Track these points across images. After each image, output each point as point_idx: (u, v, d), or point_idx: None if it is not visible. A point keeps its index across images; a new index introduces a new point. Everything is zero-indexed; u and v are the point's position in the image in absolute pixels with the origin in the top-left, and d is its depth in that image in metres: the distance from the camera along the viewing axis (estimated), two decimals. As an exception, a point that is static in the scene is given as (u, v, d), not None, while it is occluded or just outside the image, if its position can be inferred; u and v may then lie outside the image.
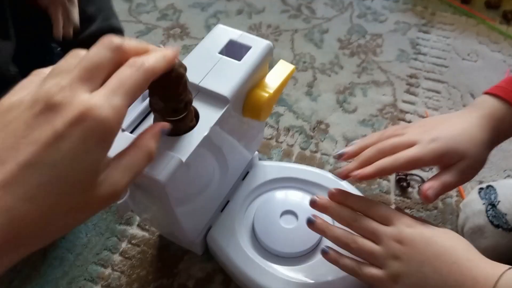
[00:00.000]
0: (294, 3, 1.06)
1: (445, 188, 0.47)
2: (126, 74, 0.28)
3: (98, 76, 0.27)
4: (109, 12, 0.81)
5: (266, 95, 0.50)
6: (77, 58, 0.28)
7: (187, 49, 0.96)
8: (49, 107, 0.24)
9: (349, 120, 0.81)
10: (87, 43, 0.68)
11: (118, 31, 0.81)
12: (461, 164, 0.47)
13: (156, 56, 0.30)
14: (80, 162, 0.25)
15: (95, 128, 0.25)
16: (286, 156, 0.76)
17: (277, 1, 1.07)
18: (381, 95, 0.86)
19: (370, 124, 0.80)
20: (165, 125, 0.34)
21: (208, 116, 0.45)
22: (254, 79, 0.50)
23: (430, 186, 0.47)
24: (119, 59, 0.28)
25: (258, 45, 0.51)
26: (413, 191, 0.70)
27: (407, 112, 0.82)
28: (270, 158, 0.76)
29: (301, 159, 0.75)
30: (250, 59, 0.50)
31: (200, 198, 0.54)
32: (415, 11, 1.04)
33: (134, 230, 0.66)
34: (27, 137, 0.24)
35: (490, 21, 1.00)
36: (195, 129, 0.43)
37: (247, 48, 0.51)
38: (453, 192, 0.70)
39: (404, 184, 0.70)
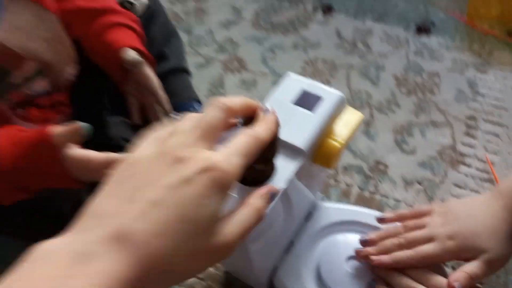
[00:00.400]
0: (349, 38, 1.08)
1: (472, 280, 0.48)
2: (242, 141, 0.31)
3: (214, 135, 0.30)
4: (181, 54, 0.87)
5: (339, 146, 0.52)
6: (192, 120, 0.30)
7: (244, 83, 0.99)
8: (177, 160, 0.27)
9: (408, 162, 0.82)
10: (161, 79, 0.72)
11: (186, 72, 0.86)
12: (485, 257, 0.48)
13: (265, 128, 0.33)
14: (203, 206, 0.27)
15: (218, 178, 0.27)
16: (345, 196, 0.77)
17: (333, 36, 1.09)
18: (440, 136, 0.86)
19: (430, 167, 0.80)
20: (274, 188, 0.36)
21: (284, 167, 0.47)
22: (326, 129, 0.52)
23: (456, 279, 0.47)
24: (229, 117, 0.32)
25: (330, 96, 0.52)
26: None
27: (466, 156, 0.82)
28: (328, 197, 0.77)
29: (360, 200, 0.76)
30: (323, 110, 0.51)
31: (269, 237, 0.56)
32: (472, 50, 1.03)
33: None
34: (156, 181, 0.27)
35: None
36: (273, 180, 0.45)
37: (318, 98, 0.53)
38: None
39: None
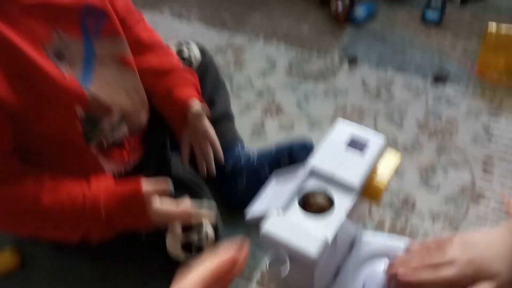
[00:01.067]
0: (373, 86, 1.21)
1: None
2: None
3: None
4: (227, 101, 0.99)
5: (385, 182, 0.63)
6: None
7: (282, 126, 1.11)
8: None
9: (433, 198, 0.92)
10: (212, 123, 0.84)
11: (231, 116, 0.98)
12: (497, 279, 0.55)
13: None
14: None
15: None
16: (379, 227, 0.87)
17: (359, 84, 1.22)
18: (460, 174, 0.97)
19: (453, 202, 0.91)
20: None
21: (340, 202, 0.58)
22: (373, 167, 0.63)
23: None
24: None
25: (375, 139, 0.63)
26: None
27: (485, 192, 0.93)
28: (364, 227, 0.87)
29: (393, 231, 0.86)
30: (371, 152, 0.62)
31: (324, 264, 0.66)
32: (485, 97, 1.16)
33: (253, 286, 0.78)
34: None
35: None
36: (333, 212, 0.55)
37: (366, 141, 0.64)
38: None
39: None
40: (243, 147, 0.98)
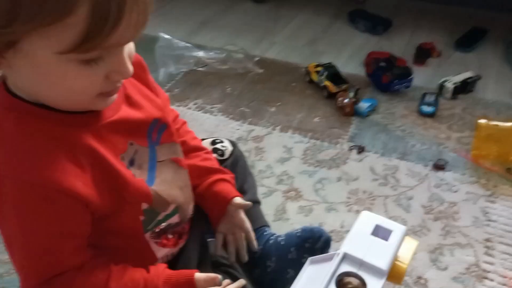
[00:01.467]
0: (381, 173, 1.36)
1: None
2: None
3: None
4: (254, 188, 1.13)
5: (405, 266, 0.74)
6: None
7: (302, 210, 1.24)
8: None
9: (442, 277, 1.03)
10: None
11: (258, 203, 1.11)
12: None
13: None
14: None
15: None
16: (397, 304, 0.97)
17: (368, 171, 1.37)
18: (465, 255, 1.08)
19: (461, 281, 1.02)
20: None
21: (372, 284, 0.69)
22: (396, 253, 0.75)
23: None
24: None
25: (398, 228, 0.76)
26: None
27: (489, 272, 1.04)
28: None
29: (410, 308, 0.96)
30: (394, 240, 0.74)
31: None
32: (480, 183, 1.30)
33: None
34: None
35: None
36: None
37: (390, 231, 0.76)
38: None
39: None
40: (269, 229, 1.09)
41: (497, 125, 1.36)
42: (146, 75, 0.83)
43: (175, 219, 0.84)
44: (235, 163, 1.10)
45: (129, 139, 0.75)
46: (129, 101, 0.76)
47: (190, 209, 0.90)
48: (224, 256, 0.97)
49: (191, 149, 0.96)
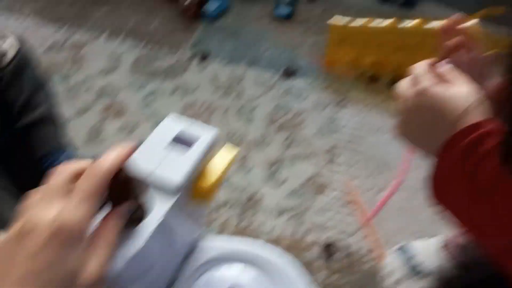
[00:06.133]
0: (224, 83, 1.16)
1: None
2: (85, 184, 0.33)
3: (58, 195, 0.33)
4: (48, 104, 0.86)
5: (214, 179, 0.56)
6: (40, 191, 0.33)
7: (125, 128, 1.00)
8: (24, 235, 0.30)
9: (279, 192, 0.89)
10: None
11: (54, 120, 0.85)
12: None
13: (105, 160, 0.36)
14: (59, 269, 0.30)
15: (67, 238, 0.30)
16: (224, 228, 0.81)
17: (209, 81, 1.16)
18: (307, 166, 0.95)
19: (299, 195, 0.89)
20: (121, 213, 0.38)
21: (160, 205, 0.50)
22: (203, 164, 0.56)
23: None
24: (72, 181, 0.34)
25: (206, 132, 0.57)
26: (340, 256, 0.78)
27: (330, 182, 0.92)
28: (206, 230, 0.80)
29: (238, 233, 0.81)
30: (199, 147, 0.55)
31: (150, 278, 0.57)
32: (332, 89, 1.17)
33: None
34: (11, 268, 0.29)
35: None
36: (147, 219, 0.47)
37: (196, 136, 0.57)
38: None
39: (331, 250, 0.78)
40: (71, 153, 0.85)
41: (348, 26, 1.22)
42: None
43: None
44: (18, 72, 0.81)
45: None
46: None
47: None
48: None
49: None
